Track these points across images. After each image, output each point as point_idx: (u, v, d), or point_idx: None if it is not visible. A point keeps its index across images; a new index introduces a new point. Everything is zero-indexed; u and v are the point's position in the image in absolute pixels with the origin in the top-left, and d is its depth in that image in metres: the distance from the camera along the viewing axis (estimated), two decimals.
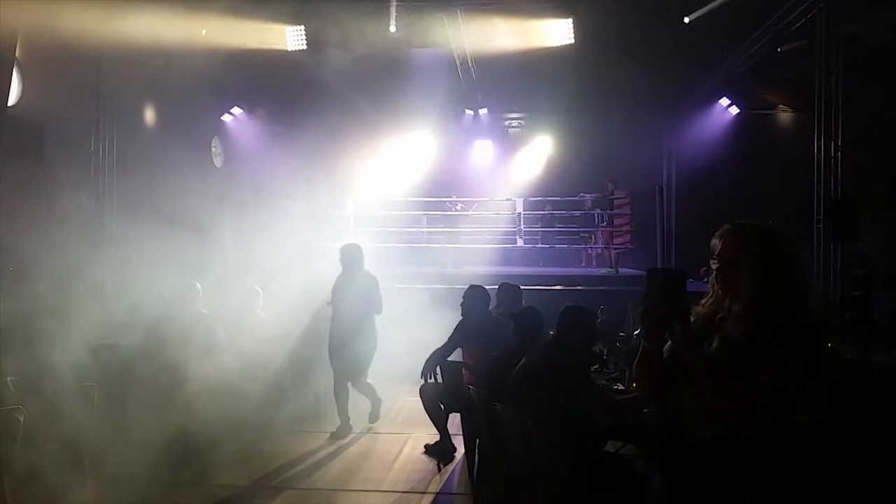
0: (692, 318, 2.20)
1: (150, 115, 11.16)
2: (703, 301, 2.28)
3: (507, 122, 15.16)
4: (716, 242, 2.23)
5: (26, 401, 3.84)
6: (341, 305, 6.45)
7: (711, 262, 2.24)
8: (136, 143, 10.22)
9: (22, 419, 3.64)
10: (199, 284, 6.19)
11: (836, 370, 5.50)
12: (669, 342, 2.14)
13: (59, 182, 8.80)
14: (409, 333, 7.02)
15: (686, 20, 9.61)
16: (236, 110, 13.56)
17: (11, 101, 7.89)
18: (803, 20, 9.16)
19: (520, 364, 4.07)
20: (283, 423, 6.31)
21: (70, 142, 9.21)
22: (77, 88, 9.31)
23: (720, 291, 2.22)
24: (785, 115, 13.85)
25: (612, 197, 12.41)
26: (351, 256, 6.53)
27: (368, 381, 6.53)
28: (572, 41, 10.07)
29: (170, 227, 7.99)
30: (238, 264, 9.52)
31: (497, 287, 6.14)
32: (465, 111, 13.73)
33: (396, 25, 9.48)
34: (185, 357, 5.30)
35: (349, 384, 6.48)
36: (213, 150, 13.49)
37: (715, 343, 2.13)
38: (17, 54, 7.62)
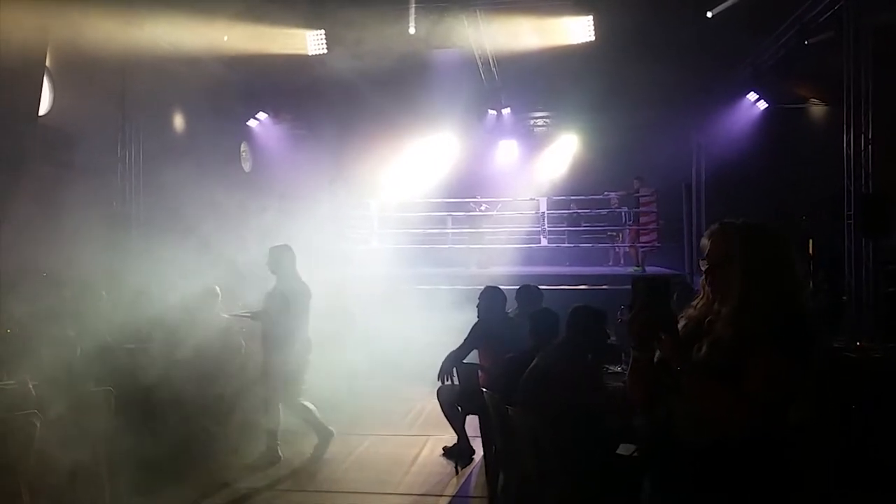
0: (683, 322, 2.16)
1: (177, 121, 11.34)
2: (693, 303, 2.24)
3: (531, 122, 15.09)
4: (705, 242, 2.18)
5: (46, 405, 3.92)
6: (263, 317, 5.82)
7: (700, 263, 2.20)
8: (163, 149, 10.36)
9: (38, 424, 3.71)
10: (218, 288, 6.26)
11: (844, 368, 5.36)
12: (659, 351, 2.10)
13: (89, 189, 8.98)
14: (431, 335, 7.01)
15: (709, 15, 9.45)
16: (262, 115, 13.69)
17: (43, 110, 8.11)
18: (830, 12, 8.93)
19: (531, 366, 4.05)
20: (298, 424, 6.32)
21: (98, 149, 9.39)
22: (104, 97, 9.49)
23: (710, 293, 2.17)
24: (817, 109, 13.52)
25: (637, 195, 12.28)
26: (274, 260, 5.79)
27: (306, 403, 5.80)
28: (593, 38, 9.97)
29: (195, 232, 8.10)
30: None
31: (517, 289, 6.08)
32: (487, 112, 13.69)
33: (416, 27, 9.48)
34: (204, 360, 5.36)
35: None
36: (242, 154, 13.66)
37: (704, 347, 2.08)
38: (47, 64, 7.83)
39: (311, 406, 5.80)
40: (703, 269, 2.18)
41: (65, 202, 8.12)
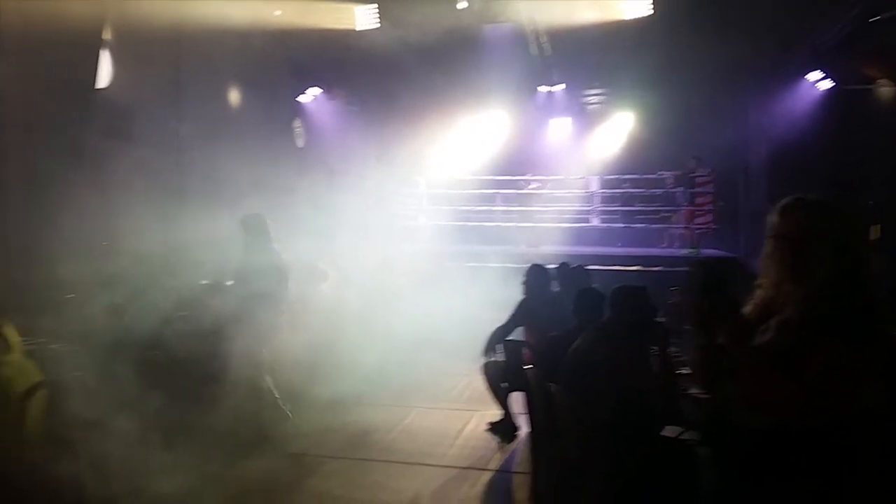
0: (750, 303, 2.11)
1: (231, 95, 11.49)
2: (758, 282, 2.15)
3: (585, 99, 14.79)
4: (775, 219, 2.06)
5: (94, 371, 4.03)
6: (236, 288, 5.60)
7: (767, 240, 2.09)
8: (217, 123, 10.53)
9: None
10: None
11: None
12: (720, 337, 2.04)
13: (144, 161, 9.19)
14: (479, 311, 7.00)
15: None
16: (314, 91, 13.77)
17: (101, 84, 8.30)
18: None
19: (574, 346, 4.00)
20: (346, 395, 6.40)
21: (154, 122, 9.59)
22: (160, 70, 9.66)
23: (777, 272, 2.06)
24: (886, 90, 12.91)
25: (693, 175, 11.98)
26: (249, 229, 5.59)
27: (270, 387, 5.50)
28: (651, 12, 9.68)
29: (249, 204, 8.21)
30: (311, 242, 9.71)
31: (556, 267, 6.02)
32: (538, 89, 13.48)
33: (467, 0, 9.36)
34: (256, 330, 5.43)
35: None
36: (297, 130, 13.78)
37: (771, 328, 2.00)
38: (104, 37, 8.00)
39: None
40: (769, 246, 2.08)
41: (122, 174, 8.33)
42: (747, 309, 2.09)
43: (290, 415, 5.52)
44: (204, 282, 6.57)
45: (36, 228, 6.82)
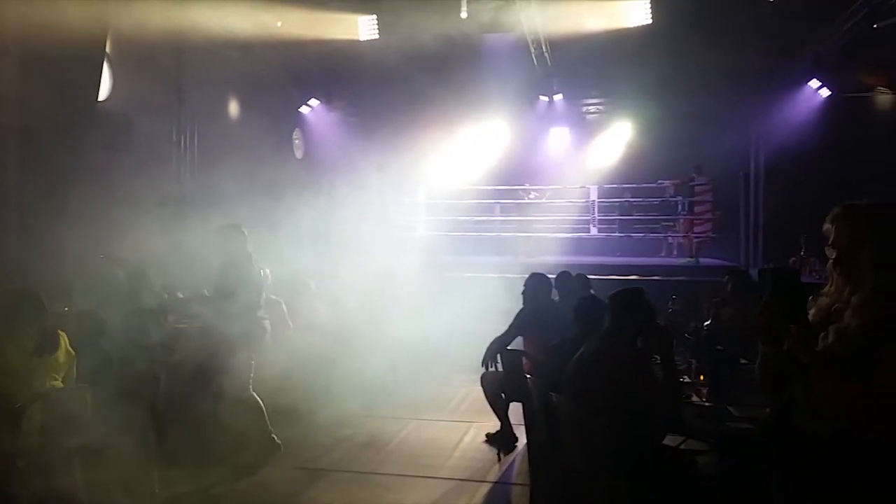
0: (812, 310, 2.12)
1: (231, 106, 11.53)
2: (823, 290, 2.17)
3: (584, 108, 14.83)
4: (828, 227, 2.11)
5: (97, 382, 4.01)
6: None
7: (826, 250, 2.13)
8: (217, 134, 10.56)
9: (89, 397, 3.79)
10: (268, 271, 6.34)
11: None
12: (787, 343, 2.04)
13: (145, 172, 9.20)
14: (478, 322, 6.96)
15: None
16: (314, 102, 13.80)
17: (102, 95, 8.32)
18: None
19: (577, 354, 3.97)
20: (344, 407, 6.37)
21: (155, 133, 9.61)
22: (161, 82, 9.70)
23: (840, 281, 2.10)
24: (883, 98, 12.94)
25: (693, 184, 11.98)
26: (232, 242, 5.31)
27: (254, 395, 5.25)
28: (650, 21, 9.72)
29: (248, 216, 8.21)
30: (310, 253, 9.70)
31: (556, 276, 6.01)
32: (539, 98, 13.52)
33: (468, 11, 9.40)
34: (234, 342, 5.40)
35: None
36: (295, 141, 13.82)
37: (830, 335, 2.01)
38: (107, 49, 8.02)
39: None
40: (829, 256, 2.11)
41: (122, 185, 8.34)
42: (810, 316, 2.10)
43: (280, 444, 5.34)
44: (180, 294, 6.56)
45: (34, 240, 6.81)
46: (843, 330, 1.99)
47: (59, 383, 3.89)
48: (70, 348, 4.00)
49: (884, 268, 1.95)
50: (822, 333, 2.04)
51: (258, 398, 5.25)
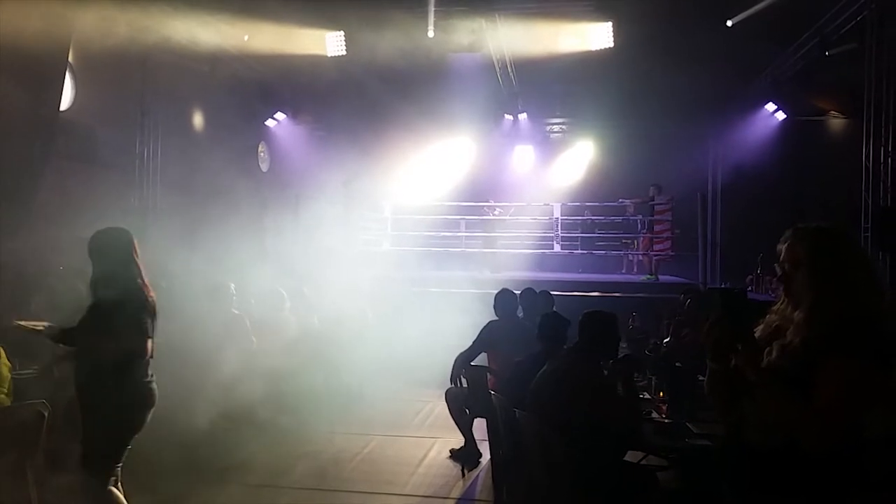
0: (761, 327, 2.20)
1: (195, 119, 11.44)
2: (773, 308, 2.26)
3: (548, 128, 15.08)
4: (780, 248, 2.20)
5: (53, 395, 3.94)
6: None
7: (776, 268, 2.22)
8: (181, 146, 10.47)
9: (46, 414, 3.73)
10: (232, 285, 6.30)
11: None
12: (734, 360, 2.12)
13: (108, 183, 9.08)
14: (442, 338, 6.99)
15: (729, 24, 9.42)
16: (280, 116, 13.77)
17: (65, 105, 8.20)
18: (853, 23, 8.88)
19: (541, 371, 4.04)
20: (309, 423, 6.35)
21: (118, 144, 9.50)
22: (125, 93, 9.61)
23: (786, 299, 2.19)
24: (835, 122, 13.43)
25: (652, 203, 12.23)
26: (103, 249, 3.75)
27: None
28: (612, 45, 9.94)
29: (212, 229, 8.15)
30: (276, 267, 9.66)
31: (520, 292, 6.09)
32: (504, 116, 13.70)
33: (435, 30, 9.50)
34: (215, 356, 5.39)
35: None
36: (261, 154, 13.76)
37: (774, 352, 2.09)
38: (69, 59, 7.92)
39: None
40: (778, 274, 2.20)
41: (84, 196, 8.22)
42: (756, 334, 2.17)
43: None
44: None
45: None
46: (785, 346, 2.07)
47: (3, 397, 3.82)
48: (7, 360, 3.94)
49: (821, 287, 2.04)
50: (767, 349, 2.11)
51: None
